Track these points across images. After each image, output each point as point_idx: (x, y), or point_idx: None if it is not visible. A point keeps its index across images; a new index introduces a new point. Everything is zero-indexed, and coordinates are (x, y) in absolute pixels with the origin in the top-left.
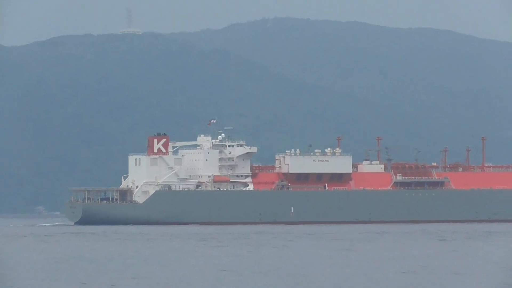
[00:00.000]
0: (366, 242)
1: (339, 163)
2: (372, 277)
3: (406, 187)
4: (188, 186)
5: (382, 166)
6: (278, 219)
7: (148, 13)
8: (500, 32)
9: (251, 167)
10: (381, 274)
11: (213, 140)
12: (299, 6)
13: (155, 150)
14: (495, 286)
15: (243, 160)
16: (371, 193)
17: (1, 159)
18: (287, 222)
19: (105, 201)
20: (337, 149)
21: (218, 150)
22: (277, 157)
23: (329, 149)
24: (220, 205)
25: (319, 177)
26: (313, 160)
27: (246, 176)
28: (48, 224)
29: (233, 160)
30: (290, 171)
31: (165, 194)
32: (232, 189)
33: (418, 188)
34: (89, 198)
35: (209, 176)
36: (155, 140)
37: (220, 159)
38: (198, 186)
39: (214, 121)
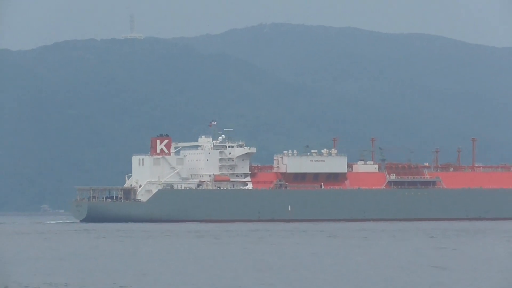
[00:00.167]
0: (358, 239)
1: (335, 163)
2: (358, 272)
3: (399, 186)
4: (190, 185)
5: (376, 166)
6: (276, 217)
7: (149, 19)
8: (489, 38)
9: (250, 167)
10: (369, 269)
11: (214, 141)
12: (295, 12)
13: (158, 151)
14: (480, 281)
15: (243, 160)
16: (365, 192)
17: (7, 159)
18: (285, 220)
19: (109, 200)
20: (333, 149)
21: (219, 150)
22: (275, 157)
23: (325, 149)
24: (221, 203)
25: (316, 177)
26: (310, 160)
27: (246, 175)
28: (54, 222)
29: (233, 160)
30: (288, 171)
31: (167, 193)
32: (232, 188)
33: (410, 187)
34: (94, 197)
35: (210, 176)
36: (158, 141)
37: (221, 159)
38: (199, 185)
39: (215, 122)
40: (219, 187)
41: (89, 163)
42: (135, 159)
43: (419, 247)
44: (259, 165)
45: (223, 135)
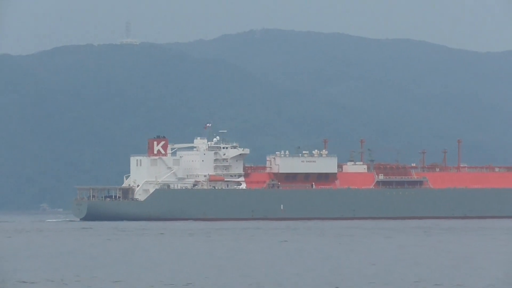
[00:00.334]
0: (345, 236)
1: (326, 164)
2: (339, 268)
3: (388, 186)
4: (186, 185)
5: (365, 166)
6: (269, 215)
7: (145, 25)
8: (472, 43)
9: (244, 168)
10: (351, 265)
11: (209, 143)
12: (284, 18)
13: (155, 152)
14: (461, 277)
15: (237, 161)
16: (355, 192)
17: (8, 159)
18: (277, 218)
19: (108, 199)
20: (324, 150)
21: (213, 151)
22: (268, 158)
23: (316, 151)
24: (215, 202)
25: (307, 177)
26: (301, 161)
27: (239, 175)
28: (55, 220)
29: (227, 161)
30: (280, 171)
31: (164, 192)
32: (226, 188)
33: (398, 187)
34: (93, 196)
35: (205, 176)
36: (155, 143)
37: (215, 160)
38: (194, 185)
39: (210, 125)
40: (214, 187)
41: (87, 163)
42: (133, 159)
43: (404, 244)
44: (252, 165)
45: (217, 137)
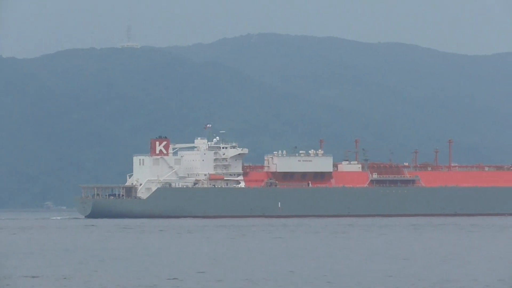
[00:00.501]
0: (338, 233)
1: (321, 163)
2: (329, 263)
3: (381, 185)
4: (187, 184)
5: (360, 166)
6: (267, 213)
7: (145, 29)
8: (461, 46)
9: (243, 167)
10: (340, 260)
11: (209, 143)
12: (280, 23)
13: (157, 152)
14: (447, 271)
15: (236, 160)
16: (350, 190)
17: (13, 159)
18: (274, 216)
19: (112, 197)
20: (320, 150)
21: (213, 151)
22: (266, 158)
23: (312, 150)
24: (215, 200)
25: (304, 176)
26: (298, 160)
27: (238, 174)
28: (60, 218)
29: (226, 161)
30: (278, 170)
31: (166, 190)
32: (225, 186)
33: (391, 185)
34: (98, 194)
35: (205, 175)
36: (157, 143)
37: (215, 160)
38: (195, 183)
39: (210, 125)
40: (214, 185)
41: (89, 163)
42: (136, 159)
43: (394, 240)
44: (251, 164)
45: (217, 137)
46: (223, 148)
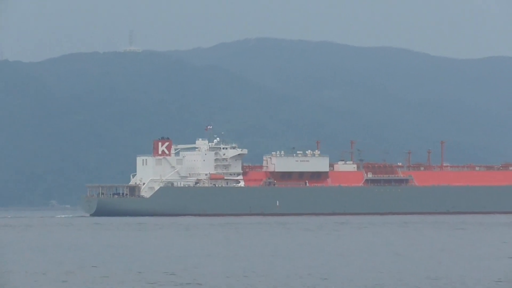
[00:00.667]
0: (331, 230)
1: (318, 163)
2: (318, 259)
3: (376, 184)
4: (188, 183)
5: (355, 165)
6: (265, 211)
7: (147, 34)
8: (451, 50)
9: (242, 167)
10: (331, 256)
11: (210, 143)
12: (277, 28)
13: (160, 152)
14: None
15: (236, 160)
16: (345, 189)
17: (20, 159)
18: (273, 214)
19: (116, 196)
20: (316, 151)
21: (214, 152)
22: (264, 158)
23: (309, 151)
24: (216, 199)
25: (301, 175)
26: (296, 161)
27: (238, 174)
28: (65, 216)
29: (226, 161)
30: (276, 170)
31: (168, 189)
32: (226, 186)
33: (386, 184)
34: (102, 193)
35: (206, 174)
36: (160, 143)
37: (216, 160)
38: (196, 183)
39: (210, 127)
40: (215, 185)
41: (93, 163)
42: (139, 159)
43: (388, 237)
44: (250, 164)
45: (217, 138)
46: (223, 148)
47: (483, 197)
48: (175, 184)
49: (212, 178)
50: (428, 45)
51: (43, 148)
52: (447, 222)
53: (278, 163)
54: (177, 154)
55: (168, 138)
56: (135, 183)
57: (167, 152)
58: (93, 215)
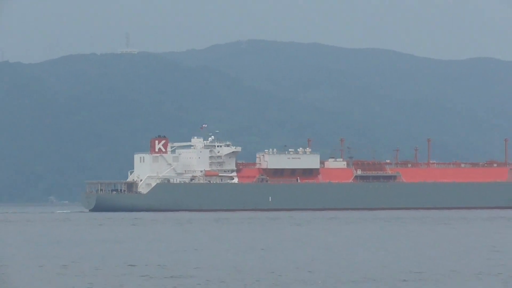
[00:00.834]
0: (320, 225)
1: (309, 160)
2: (302, 253)
3: (365, 180)
4: (184, 180)
5: (345, 162)
6: (259, 206)
7: (142, 36)
8: (435, 51)
9: (236, 164)
10: (313, 250)
11: (205, 141)
12: (268, 30)
13: (157, 150)
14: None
15: (230, 158)
16: (335, 185)
17: (20, 157)
18: (266, 209)
19: (115, 192)
20: (308, 148)
21: (209, 149)
22: (257, 155)
23: (301, 148)
24: (210, 195)
25: (293, 172)
26: (288, 158)
27: (232, 171)
28: (65, 211)
29: (221, 158)
30: (269, 167)
31: (165, 186)
32: (220, 182)
33: (374, 181)
34: (101, 189)
35: (201, 171)
36: (157, 142)
37: (210, 157)
38: (192, 179)
39: (205, 125)
40: (209, 181)
41: (91, 161)
42: (137, 157)
43: (374, 231)
44: (243, 162)
45: (212, 136)
46: (217, 146)
47: (468, 193)
48: (171, 180)
49: (207, 174)
50: (414, 46)
51: (43, 147)
52: (433, 217)
53: (270, 160)
54: (173, 151)
55: (164, 137)
56: (133, 179)
57: (163, 150)
58: (92, 210)
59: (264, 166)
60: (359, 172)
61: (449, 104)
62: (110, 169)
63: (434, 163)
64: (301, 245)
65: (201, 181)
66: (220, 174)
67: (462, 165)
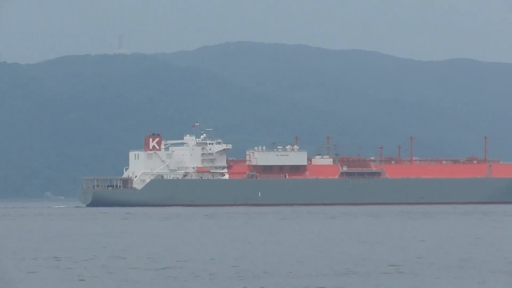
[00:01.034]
0: (304, 219)
1: (297, 157)
2: (285, 247)
3: (350, 177)
4: (177, 176)
5: (331, 159)
6: (249, 202)
7: (135, 38)
8: (416, 52)
9: (227, 161)
10: (298, 244)
11: (197, 139)
12: (256, 32)
13: (151, 147)
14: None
15: (221, 155)
16: (322, 181)
17: (17, 154)
18: (255, 204)
19: (110, 188)
20: (295, 146)
21: (201, 147)
22: (247, 152)
23: (289, 146)
24: (202, 191)
25: (281, 168)
26: (276, 155)
27: (223, 167)
28: (62, 206)
29: (212, 155)
30: (258, 164)
31: (158, 182)
32: (212, 178)
33: (360, 177)
34: (98, 185)
35: (193, 168)
36: (151, 139)
37: (202, 154)
38: (185, 175)
39: (198, 124)
40: (201, 177)
41: (87, 158)
42: (132, 154)
43: (358, 225)
44: (234, 159)
45: (204, 134)
46: (209, 144)
47: (449, 188)
48: (165, 176)
49: (199, 171)
50: (396, 48)
51: (40, 144)
52: (415, 212)
53: (260, 157)
54: (166, 149)
55: (158, 134)
56: (128, 176)
57: (157, 147)
58: (89, 205)
59: (253, 163)
60: (345, 168)
61: (431, 103)
62: (105, 166)
63: (416, 160)
64: (285, 239)
65: (194, 177)
66: (211, 171)
67: (444, 162)
